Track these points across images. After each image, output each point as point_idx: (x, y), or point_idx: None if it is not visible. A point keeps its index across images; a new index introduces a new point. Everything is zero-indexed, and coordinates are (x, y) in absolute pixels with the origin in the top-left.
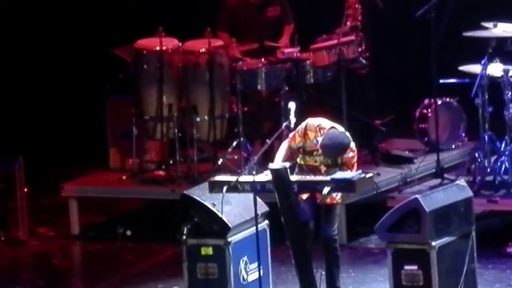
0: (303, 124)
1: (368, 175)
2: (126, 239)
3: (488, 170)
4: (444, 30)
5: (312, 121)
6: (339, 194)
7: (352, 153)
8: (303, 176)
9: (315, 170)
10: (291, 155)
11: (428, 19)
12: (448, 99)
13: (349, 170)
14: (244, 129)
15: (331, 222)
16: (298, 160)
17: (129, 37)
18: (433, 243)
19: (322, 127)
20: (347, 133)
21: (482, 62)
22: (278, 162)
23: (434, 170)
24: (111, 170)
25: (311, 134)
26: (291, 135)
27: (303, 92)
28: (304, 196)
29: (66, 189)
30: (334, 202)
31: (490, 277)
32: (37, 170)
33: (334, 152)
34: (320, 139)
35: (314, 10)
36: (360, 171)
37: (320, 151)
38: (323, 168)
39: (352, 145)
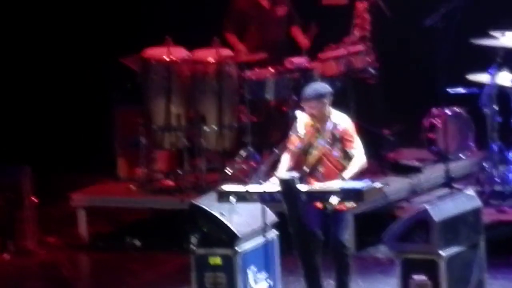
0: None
1: (377, 185)
2: (135, 249)
3: (497, 180)
4: (452, 39)
5: (300, 113)
6: None
7: (347, 123)
8: (312, 186)
9: (322, 162)
10: (296, 164)
11: (436, 28)
12: (457, 109)
13: (350, 141)
14: (252, 139)
15: (343, 228)
16: (304, 168)
17: (137, 46)
18: (442, 253)
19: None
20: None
21: (491, 71)
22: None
23: (442, 180)
24: (119, 180)
25: (305, 122)
26: (287, 144)
27: None
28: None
29: (75, 199)
30: (344, 208)
31: (499, 287)
32: (45, 179)
33: (311, 90)
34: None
35: (322, 19)
36: (369, 180)
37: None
38: (327, 151)
39: (346, 117)
